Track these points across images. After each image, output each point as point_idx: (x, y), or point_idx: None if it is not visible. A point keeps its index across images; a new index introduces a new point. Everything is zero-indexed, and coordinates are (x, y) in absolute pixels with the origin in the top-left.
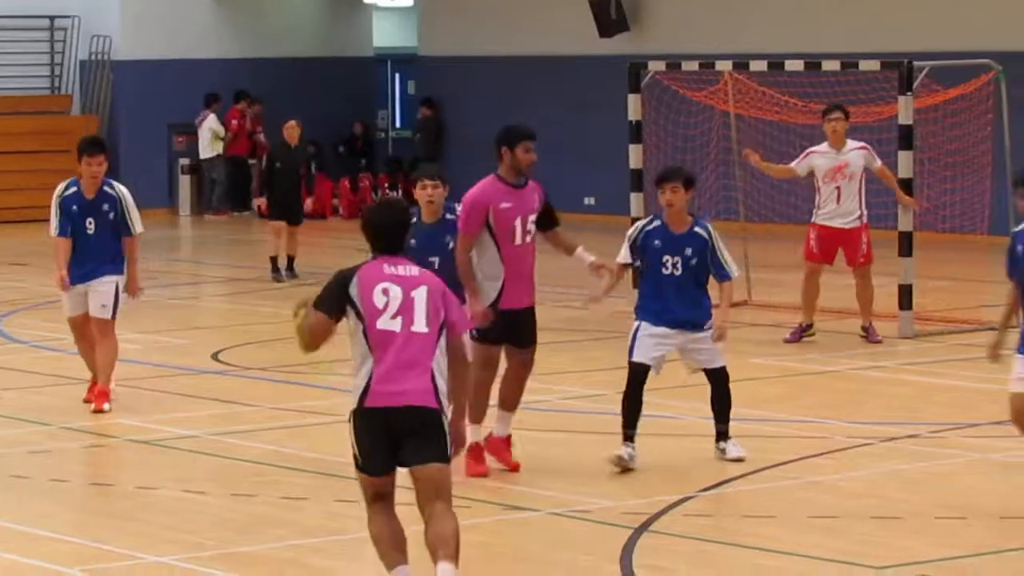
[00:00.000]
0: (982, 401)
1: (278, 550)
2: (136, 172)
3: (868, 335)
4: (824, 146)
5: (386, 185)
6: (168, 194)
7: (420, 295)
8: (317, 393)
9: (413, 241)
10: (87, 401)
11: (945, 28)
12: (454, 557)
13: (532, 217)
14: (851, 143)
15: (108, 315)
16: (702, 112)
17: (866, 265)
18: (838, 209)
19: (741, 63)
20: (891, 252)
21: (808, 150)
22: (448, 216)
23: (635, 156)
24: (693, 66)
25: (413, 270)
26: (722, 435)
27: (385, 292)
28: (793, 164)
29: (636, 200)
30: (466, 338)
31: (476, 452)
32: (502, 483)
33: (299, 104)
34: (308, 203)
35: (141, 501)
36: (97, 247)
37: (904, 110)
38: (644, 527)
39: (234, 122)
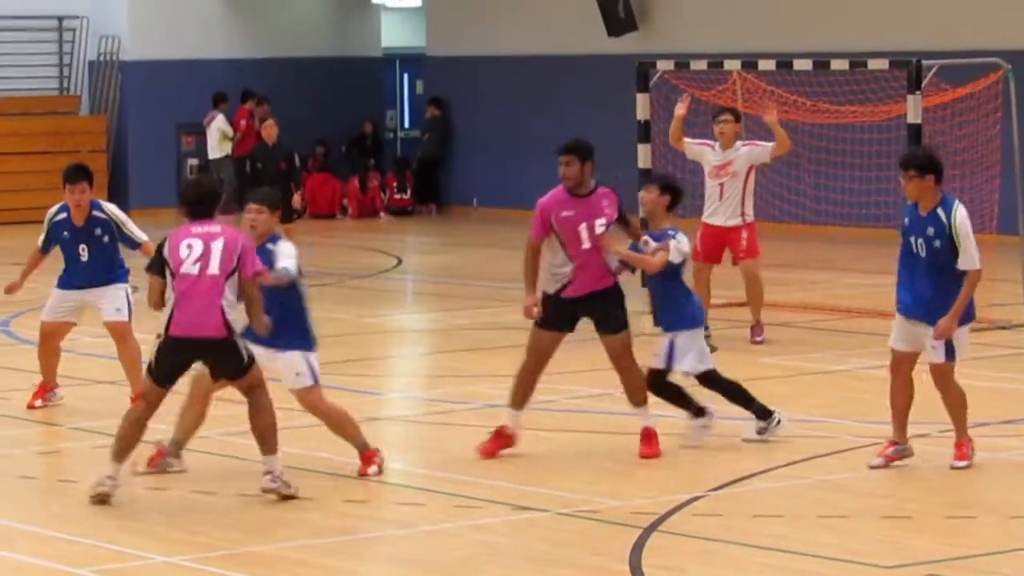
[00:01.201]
0: (991, 400)
1: (288, 550)
2: (145, 172)
3: (752, 333)
4: (717, 144)
5: (395, 185)
6: (176, 194)
7: (217, 245)
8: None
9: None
10: (31, 407)
11: (953, 27)
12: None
13: (600, 222)
14: (740, 144)
15: (124, 317)
16: (710, 111)
17: (748, 260)
18: (720, 206)
19: (749, 62)
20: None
21: (707, 141)
22: (269, 245)
23: (643, 156)
24: (701, 65)
25: (215, 228)
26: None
27: (189, 246)
28: (688, 140)
29: None
30: None
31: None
32: (510, 483)
33: (307, 104)
34: (296, 199)
35: (150, 501)
36: (93, 267)
37: (913, 109)
38: (653, 527)
39: (242, 122)
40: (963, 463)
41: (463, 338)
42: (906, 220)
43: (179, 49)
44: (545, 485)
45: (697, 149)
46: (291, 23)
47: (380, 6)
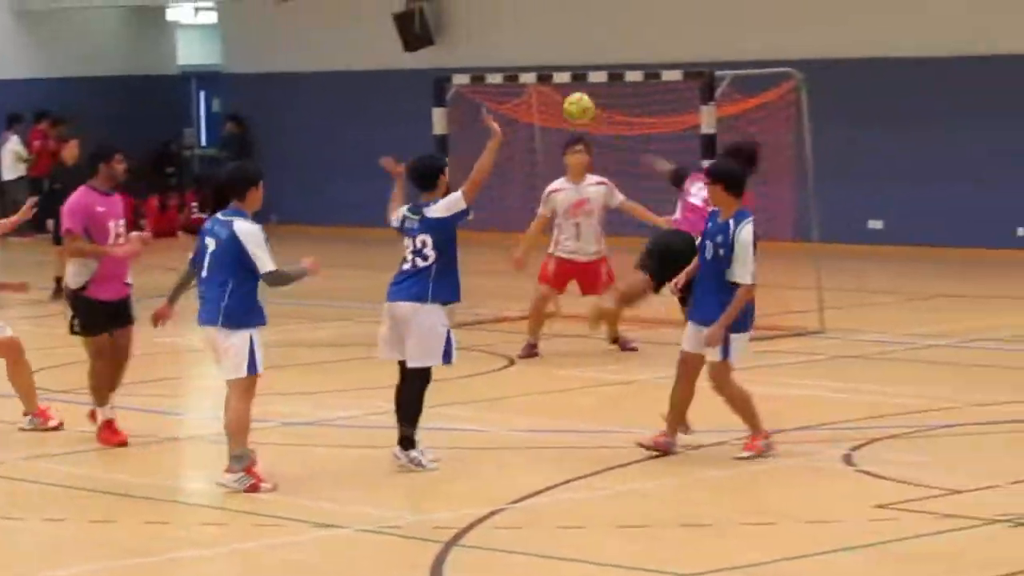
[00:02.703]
0: (786, 407)
1: (85, 573)
2: None
3: (621, 345)
4: (563, 181)
5: (194, 204)
6: None
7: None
8: (123, 415)
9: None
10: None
11: (747, 38)
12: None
13: (122, 222)
14: (591, 178)
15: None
16: (508, 125)
17: (609, 286)
18: (578, 244)
19: (545, 75)
20: None
21: (548, 189)
22: None
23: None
24: (497, 79)
25: None
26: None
27: None
28: (540, 210)
29: None
30: None
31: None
32: (312, 500)
33: (105, 123)
34: None
35: None
36: None
37: (707, 119)
38: (453, 541)
39: (36, 143)
40: (747, 453)
41: None
42: (708, 224)
43: None
44: (346, 502)
45: (549, 204)
46: (86, 42)
47: (175, 23)
